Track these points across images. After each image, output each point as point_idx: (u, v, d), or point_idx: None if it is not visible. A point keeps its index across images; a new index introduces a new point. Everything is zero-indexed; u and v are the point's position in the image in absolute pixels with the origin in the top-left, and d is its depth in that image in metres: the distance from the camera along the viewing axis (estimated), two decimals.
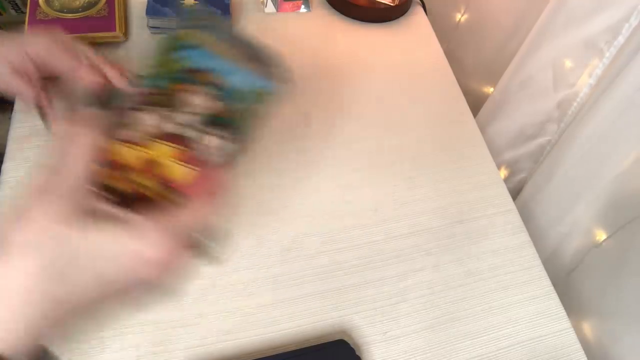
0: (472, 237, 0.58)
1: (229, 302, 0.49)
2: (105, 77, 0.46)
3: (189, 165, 0.32)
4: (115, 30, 0.66)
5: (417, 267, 0.54)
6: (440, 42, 0.78)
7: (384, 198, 0.59)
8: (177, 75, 0.34)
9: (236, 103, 0.34)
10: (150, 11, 0.68)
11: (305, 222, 0.56)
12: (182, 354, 0.46)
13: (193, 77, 0.33)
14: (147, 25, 0.70)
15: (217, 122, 0.33)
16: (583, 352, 0.51)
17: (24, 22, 0.64)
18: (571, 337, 0.52)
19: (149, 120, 0.32)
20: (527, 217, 0.62)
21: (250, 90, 0.34)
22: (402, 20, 0.80)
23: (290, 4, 0.77)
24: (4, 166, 0.55)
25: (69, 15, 0.65)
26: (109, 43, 0.61)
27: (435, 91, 0.72)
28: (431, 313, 0.52)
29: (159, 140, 0.32)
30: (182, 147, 0.32)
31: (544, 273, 0.56)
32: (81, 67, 0.45)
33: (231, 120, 0.33)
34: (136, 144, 0.31)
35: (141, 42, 0.69)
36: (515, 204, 0.62)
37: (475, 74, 0.90)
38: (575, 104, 0.62)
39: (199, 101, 0.33)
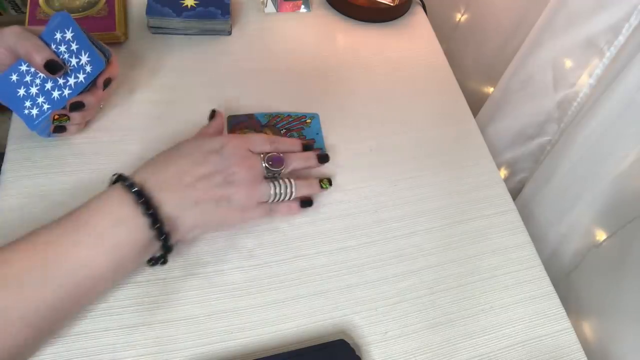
0: (472, 237, 0.58)
1: (228, 302, 0.49)
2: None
3: None
4: (115, 30, 0.66)
5: (417, 267, 0.54)
6: (440, 42, 0.78)
7: (384, 198, 0.59)
8: None
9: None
10: (150, 11, 0.68)
11: (305, 222, 0.56)
12: (182, 354, 0.46)
13: None
14: (147, 25, 0.70)
15: None
16: (583, 352, 0.51)
17: (24, 22, 0.63)
18: (571, 337, 0.52)
19: None
20: (527, 217, 0.62)
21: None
22: (402, 20, 0.80)
23: (290, 4, 0.77)
24: (4, 166, 0.55)
25: None
26: (109, 43, 0.60)
27: (435, 91, 0.72)
28: (431, 313, 0.52)
29: None
30: None
31: (544, 273, 0.56)
32: (39, 52, 0.49)
33: None
34: None
35: (141, 42, 0.69)
36: (515, 204, 0.62)
37: (475, 74, 0.90)
38: (575, 104, 0.62)
39: None
